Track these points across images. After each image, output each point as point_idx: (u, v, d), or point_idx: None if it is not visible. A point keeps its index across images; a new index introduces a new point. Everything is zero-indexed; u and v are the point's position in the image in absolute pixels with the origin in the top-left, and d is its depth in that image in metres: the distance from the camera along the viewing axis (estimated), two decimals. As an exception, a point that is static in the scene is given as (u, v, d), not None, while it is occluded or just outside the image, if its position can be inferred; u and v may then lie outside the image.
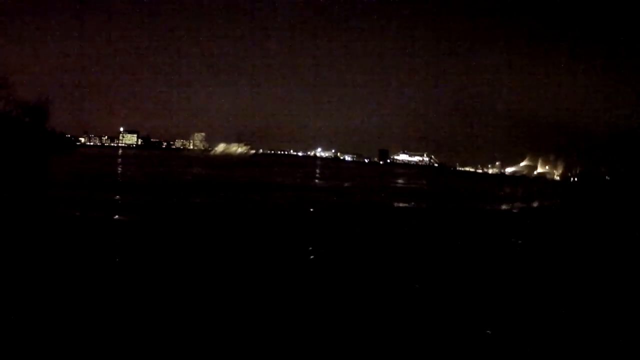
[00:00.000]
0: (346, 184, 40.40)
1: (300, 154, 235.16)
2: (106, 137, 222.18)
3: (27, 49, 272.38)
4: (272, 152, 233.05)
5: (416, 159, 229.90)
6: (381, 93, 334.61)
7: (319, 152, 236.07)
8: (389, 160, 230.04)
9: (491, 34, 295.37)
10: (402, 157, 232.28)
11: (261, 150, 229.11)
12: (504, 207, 28.28)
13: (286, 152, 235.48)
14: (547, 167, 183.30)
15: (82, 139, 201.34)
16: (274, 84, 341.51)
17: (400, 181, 49.05)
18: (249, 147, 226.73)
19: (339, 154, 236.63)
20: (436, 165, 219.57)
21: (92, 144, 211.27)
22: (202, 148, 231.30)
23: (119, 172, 41.69)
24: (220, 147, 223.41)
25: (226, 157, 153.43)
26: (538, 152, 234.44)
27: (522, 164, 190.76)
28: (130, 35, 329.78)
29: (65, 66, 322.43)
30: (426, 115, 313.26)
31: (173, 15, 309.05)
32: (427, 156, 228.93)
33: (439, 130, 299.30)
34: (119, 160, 68.87)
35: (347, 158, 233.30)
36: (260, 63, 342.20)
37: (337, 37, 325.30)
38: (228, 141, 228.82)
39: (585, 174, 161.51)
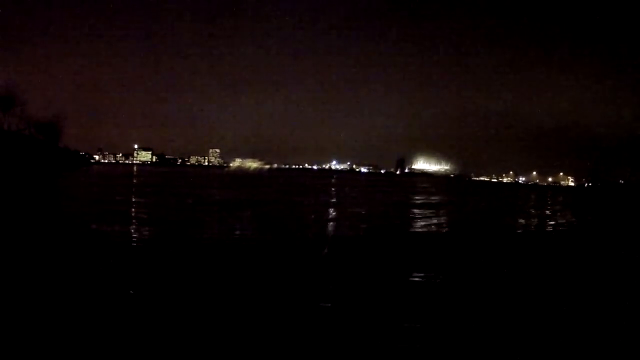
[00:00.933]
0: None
1: (315, 167, 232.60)
2: (120, 154, 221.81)
3: (41, 67, 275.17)
4: (287, 166, 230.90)
5: (434, 168, 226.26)
6: (397, 103, 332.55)
7: (335, 165, 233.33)
8: (406, 170, 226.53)
9: (507, 45, 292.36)
10: (420, 166, 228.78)
11: (275, 165, 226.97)
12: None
13: (301, 166, 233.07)
14: (561, 174, 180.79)
15: (97, 157, 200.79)
16: (287, 99, 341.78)
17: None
18: (263, 162, 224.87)
19: (354, 165, 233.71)
20: (453, 175, 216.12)
21: (106, 161, 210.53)
22: (218, 164, 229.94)
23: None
24: (236, 163, 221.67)
25: (242, 173, 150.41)
26: (551, 158, 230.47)
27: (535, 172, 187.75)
28: (145, 53, 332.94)
29: (79, 84, 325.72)
30: (443, 124, 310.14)
31: (188, 34, 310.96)
32: (445, 166, 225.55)
33: (455, 139, 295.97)
34: (134, 180, 64.00)
35: (363, 170, 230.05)
36: (274, 77, 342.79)
37: (352, 50, 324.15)
38: (243, 157, 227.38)
39: (599, 179, 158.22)
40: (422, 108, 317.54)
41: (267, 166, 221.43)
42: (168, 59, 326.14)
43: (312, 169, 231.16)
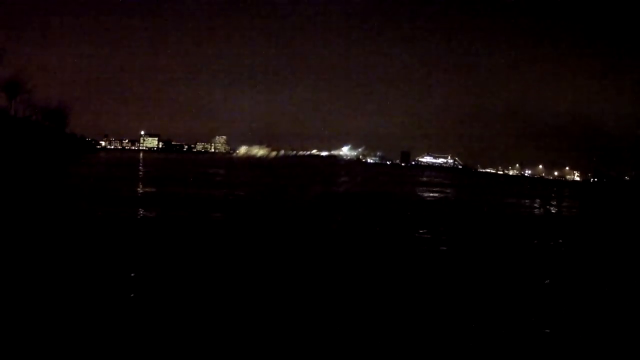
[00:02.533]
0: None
1: (324, 153, 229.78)
2: (127, 140, 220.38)
3: (48, 54, 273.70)
4: (295, 152, 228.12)
5: (440, 160, 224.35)
6: (403, 95, 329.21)
7: (345, 151, 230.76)
8: (413, 162, 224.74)
9: (513, 41, 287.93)
10: (427, 159, 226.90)
11: (282, 152, 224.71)
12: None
13: (308, 153, 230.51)
14: (567, 168, 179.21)
15: (103, 142, 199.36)
16: (294, 86, 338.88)
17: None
18: (270, 149, 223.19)
19: (365, 153, 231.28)
20: (460, 167, 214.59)
21: (112, 147, 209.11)
22: (224, 151, 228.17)
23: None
24: (242, 150, 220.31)
25: (248, 160, 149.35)
26: (557, 153, 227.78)
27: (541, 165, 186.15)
28: (151, 39, 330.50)
29: (86, 70, 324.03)
30: (449, 117, 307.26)
31: (195, 20, 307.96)
32: (452, 158, 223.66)
33: (462, 131, 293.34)
34: (140, 170, 61.48)
35: (370, 160, 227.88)
36: (281, 64, 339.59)
37: (361, 38, 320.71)
38: (250, 143, 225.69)
39: (604, 175, 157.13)
40: (429, 100, 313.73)
41: (274, 153, 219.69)
42: (175, 46, 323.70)
43: (320, 155, 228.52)
